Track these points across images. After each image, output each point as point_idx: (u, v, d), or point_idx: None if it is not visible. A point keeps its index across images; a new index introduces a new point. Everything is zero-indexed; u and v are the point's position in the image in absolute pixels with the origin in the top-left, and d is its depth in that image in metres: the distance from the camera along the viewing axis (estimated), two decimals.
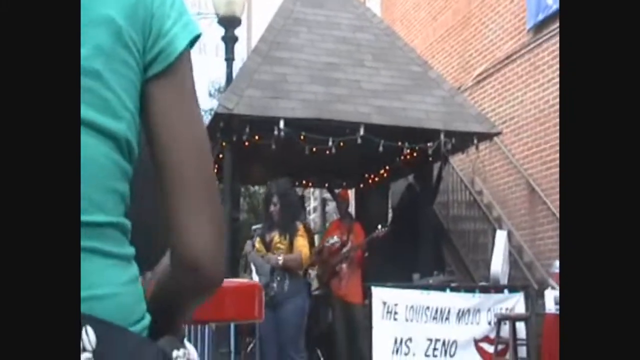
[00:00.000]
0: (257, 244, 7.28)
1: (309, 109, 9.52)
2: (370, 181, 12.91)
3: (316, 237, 12.21)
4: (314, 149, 9.40)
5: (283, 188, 7.09)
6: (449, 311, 9.10)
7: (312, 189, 19.11)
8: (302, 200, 11.26)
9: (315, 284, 10.08)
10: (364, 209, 12.49)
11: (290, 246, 7.01)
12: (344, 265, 9.70)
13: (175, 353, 1.38)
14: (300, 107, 9.50)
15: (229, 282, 2.13)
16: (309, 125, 9.37)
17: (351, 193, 13.17)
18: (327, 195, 17.29)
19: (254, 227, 8.23)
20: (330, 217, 17.59)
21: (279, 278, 6.88)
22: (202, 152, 1.40)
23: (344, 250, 9.79)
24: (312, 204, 20.92)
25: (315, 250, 9.30)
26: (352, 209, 12.28)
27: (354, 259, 9.74)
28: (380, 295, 8.84)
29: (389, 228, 9.70)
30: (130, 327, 1.32)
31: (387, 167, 12.19)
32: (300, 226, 7.11)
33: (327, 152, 9.44)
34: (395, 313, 8.69)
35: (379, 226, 9.70)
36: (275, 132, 8.99)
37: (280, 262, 6.90)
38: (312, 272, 10.10)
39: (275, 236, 7.09)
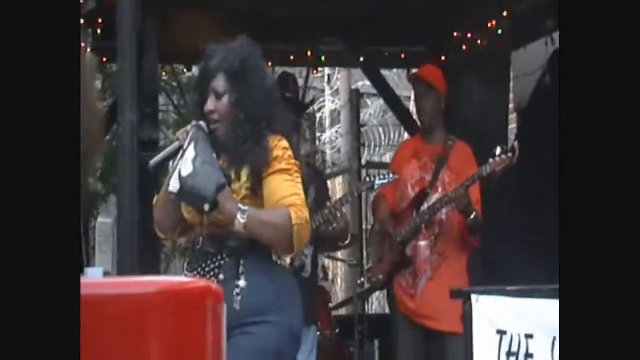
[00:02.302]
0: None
1: None
2: (463, 47, 8.46)
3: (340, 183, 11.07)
4: None
5: (239, 54, 4.19)
6: None
7: (324, 73, 14.58)
8: (294, 92, 6.73)
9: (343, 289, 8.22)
10: (453, 111, 7.85)
11: (254, 193, 4.14)
12: (423, 244, 6.18)
13: None
14: None
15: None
16: None
17: None
18: (364, 83, 12.93)
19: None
20: (374, 136, 13.36)
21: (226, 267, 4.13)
22: None
23: (424, 207, 6.17)
24: (327, 105, 15.20)
25: (335, 208, 5.92)
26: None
27: (448, 226, 6.21)
28: (501, 315, 5.13)
29: (513, 158, 6.06)
30: None
31: (505, 13, 8.04)
32: (277, 141, 4.19)
33: None
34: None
35: (497, 150, 5.98)
36: None
37: (242, 222, 3.96)
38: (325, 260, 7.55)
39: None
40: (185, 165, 3.87)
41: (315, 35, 8.75)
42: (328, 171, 12.29)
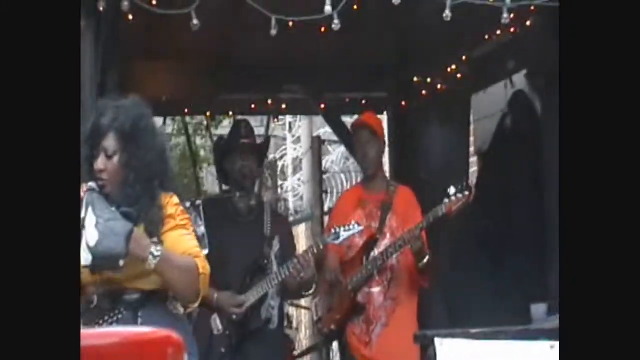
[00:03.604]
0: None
1: None
2: (423, 92, 8.56)
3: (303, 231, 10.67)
4: (290, 24, 5.66)
5: (131, 115, 4.00)
6: None
7: (286, 121, 14.89)
8: (250, 137, 6.61)
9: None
10: (413, 154, 8.57)
11: None
12: (376, 290, 6.20)
13: None
14: None
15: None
16: None
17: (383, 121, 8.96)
18: (325, 130, 12.93)
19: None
20: (336, 183, 13.38)
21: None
22: None
23: (374, 253, 6.18)
24: (289, 152, 15.31)
25: (304, 258, 5.88)
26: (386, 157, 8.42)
27: (399, 271, 6.19)
28: (466, 358, 4.69)
29: (469, 196, 5.98)
30: None
31: (464, 57, 8.05)
32: (168, 198, 4.05)
33: (321, 28, 5.83)
34: None
35: (451, 190, 5.91)
36: None
37: (154, 261, 3.77)
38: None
39: None
40: (90, 234, 3.73)
41: (275, 83, 8.67)
42: (291, 219, 12.17)
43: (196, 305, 4.19)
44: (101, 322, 3.93)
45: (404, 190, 6.36)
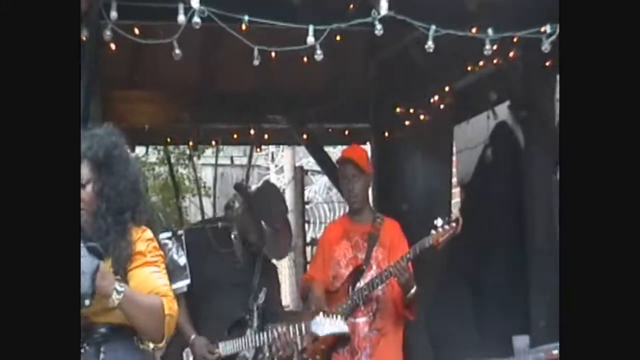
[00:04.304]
0: None
1: None
2: (406, 122, 8.45)
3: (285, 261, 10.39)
4: (273, 54, 5.67)
5: (105, 143, 3.86)
6: None
7: (269, 150, 14.93)
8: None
9: None
10: (396, 184, 8.44)
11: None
12: (361, 321, 6.05)
13: None
14: None
15: None
16: None
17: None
18: (308, 160, 12.95)
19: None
20: (319, 213, 13.35)
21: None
22: None
23: (360, 284, 6.06)
24: (272, 181, 14.98)
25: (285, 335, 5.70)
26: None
27: (385, 302, 6.07)
28: None
29: (456, 227, 5.83)
30: None
31: (447, 88, 8.09)
32: (140, 232, 3.85)
33: (304, 58, 5.94)
34: None
35: (438, 221, 5.78)
36: (181, 17, 5.20)
37: (118, 298, 3.63)
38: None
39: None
40: None
41: (258, 113, 8.59)
42: None
43: (162, 345, 4.04)
44: None
45: (390, 222, 6.29)
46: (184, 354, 5.57)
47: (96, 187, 3.75)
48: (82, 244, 3.59)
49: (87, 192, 3.74)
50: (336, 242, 6.30)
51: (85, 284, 3.57)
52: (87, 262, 3.61)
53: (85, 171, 3.78)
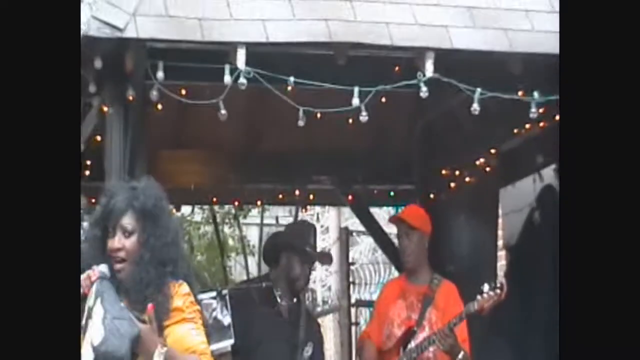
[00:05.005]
0: None
1: (301, 23, 5.47)
2: (452, 184, 8.27)
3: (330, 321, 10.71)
4: (318, 115, 5.58)
5: (152, 194, 3.85)
6: None
7: (314, 211, 14.05)
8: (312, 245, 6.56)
9: None
10: (441, 246, 7.89)
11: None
12: None
13: None
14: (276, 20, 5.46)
15: None
16: (303, 60, 5.53)
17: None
18: (353, 221, 12.33)
19: None
20: (364, 274, 12.94)
21: None
22: None
23: (412, 344, 6.02)
24: (318, 243, 14.58)
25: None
26: None
27: None
28: None
29: (501, 294, 5.78)
30: None
31: (493, 151, 7.88)
32: (177, 287, 3.80)
33: (349, 119, 5.78)
34: None
35: (484, 287, 5.71)
36: (227, 78, 5.18)
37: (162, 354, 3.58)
38: None
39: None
40: (96, 330, 3.58)
41: (303, 174, 8.60)
42: (319, 309, 12.08)
43: None
44: None
45: (447, 285, 6.26)
46: None
47: (142, 238, 3.70)
48: (123, 305, 3.59)
49: (131, 241, 3.70)
50: (392, 301, 6.26)
51: (123, 347, 3.55)
52: (127, 325, 3.57)
53: (130, 221, 3.74)
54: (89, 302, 3.62)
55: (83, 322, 3.56)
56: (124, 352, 3.54)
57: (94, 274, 3.67)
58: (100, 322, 3.56)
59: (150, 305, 3.56)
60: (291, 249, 5.93)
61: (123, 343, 3.56)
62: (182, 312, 3.79)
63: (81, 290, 3.62)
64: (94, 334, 3.54)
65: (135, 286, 3.73)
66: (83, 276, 3.62)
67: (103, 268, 3.68)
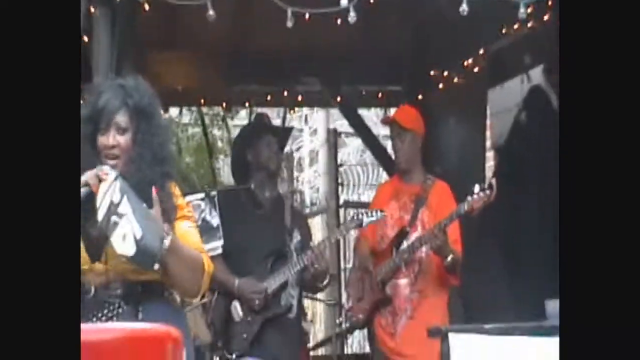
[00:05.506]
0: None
1: None
2: (440, 85, 8.42)
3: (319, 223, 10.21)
4: (307, 16, 5.56)
5: (146, 92, 3.76)
6: None
7: (302, 113, 14.31)
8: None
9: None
10: (429, 147, 7.63)
11: None
12: (402, 282, 5.95)
13: None
14: None
15: None
16: None
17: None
18: (342, 123, 12.30)
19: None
20: (352, 176, 12.96)
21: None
22: None
23: (404, 244, 5.91)
24: (306, 144, 14.85)
25: (319, 248, 5.84)
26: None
27: (428, 264, 5.96)
28: (480, 354, 4.82)
29: (490, 195, 5.73)
30: None
31: (481, 52, 7.98)
32: (173, 187, 3.80)
33: (338, 20, 5.60)
34: None
35: (475, 187, 5.67)
36: None
37: (167, 243, 3.49)
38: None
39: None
40: (134, 225, 3.49)
41: (292, 75, 8.58)
42: (307, 211, 12.04)
43: (195, 301, 3.94)
44: (99, 314, 3.72)
45: (441, 185, 6.19)
46: (232, 309, 5.57)
47: (137, 135, 3.62)
48: (145, 206, 3.49)
49: (125, 139, 3.60)
50: (385, 202, 6.18)
51: (157, 248, 3.50)
52: (157, 228, 3.51)
53: (125, 118, 3.65)
54: (114, 197, 3.51)
55: (100, 217, 3.45)
56: (157, 252, 3.51)
57: (103, 173, 3.54)
58: (135, 220, 3.49)
59: (154, 189, 3.51)
60: (256, 137, 5.95)
61: (156, 242, 3.52)
62: (181, 210, 3.77)
63: (84, 189, 3.50)
64: (135, 228, 3.47)
65: (140, 185, 3.64)
66: (89, 174, 3.49)
67: (110, 169, 3.57)
